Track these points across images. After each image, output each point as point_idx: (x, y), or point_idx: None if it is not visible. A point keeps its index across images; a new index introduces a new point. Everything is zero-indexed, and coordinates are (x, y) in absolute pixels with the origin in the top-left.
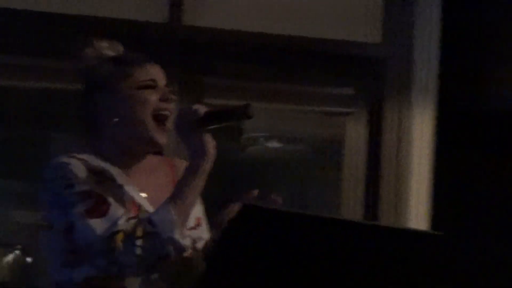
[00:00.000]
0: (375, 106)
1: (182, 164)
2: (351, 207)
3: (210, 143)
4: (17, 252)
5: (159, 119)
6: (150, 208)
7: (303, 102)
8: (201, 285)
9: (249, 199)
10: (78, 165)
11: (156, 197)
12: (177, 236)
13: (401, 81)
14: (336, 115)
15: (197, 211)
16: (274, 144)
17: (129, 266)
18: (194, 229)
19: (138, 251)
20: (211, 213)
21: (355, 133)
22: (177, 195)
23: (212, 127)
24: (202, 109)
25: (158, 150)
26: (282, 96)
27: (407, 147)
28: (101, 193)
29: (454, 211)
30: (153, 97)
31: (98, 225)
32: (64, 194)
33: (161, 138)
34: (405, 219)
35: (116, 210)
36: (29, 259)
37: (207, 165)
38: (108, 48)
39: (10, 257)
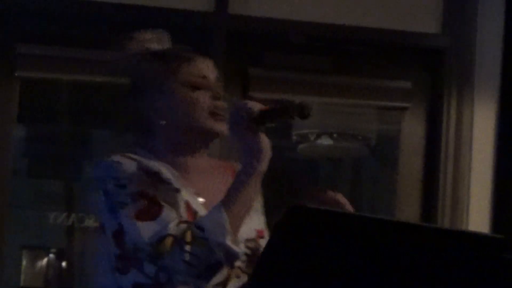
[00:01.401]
0: (434, 101)
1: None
2: (407, 208)
3: (265, 142)
4: (52, 255)
5: (214, 115)
6: None
7: (357, 96)
8: (251, 286)
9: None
10: (131, 165)
11: (214, 202)
12: (228, 242)
13: (461, 74)
14: (392, 110)
15: (258, 222)
16: (325, 141)
17: (178, 273)
18: (255, 240)
19: (187, 257)
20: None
21: (412, 130)
22: (230, 198)
23: (266, 125)
24: (256, 106)
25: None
26: (333, 90)
27: (467, 145)
28: (154, 195)
29: None
30: (205, 97)
31: (147, 228)
32: (115, 194)
33: (219, 127)
34: (465, 221)
35: (168, 213)
36: (63, 263)
37: (262, 166)
38: (152, 41)
39: (44, 261)
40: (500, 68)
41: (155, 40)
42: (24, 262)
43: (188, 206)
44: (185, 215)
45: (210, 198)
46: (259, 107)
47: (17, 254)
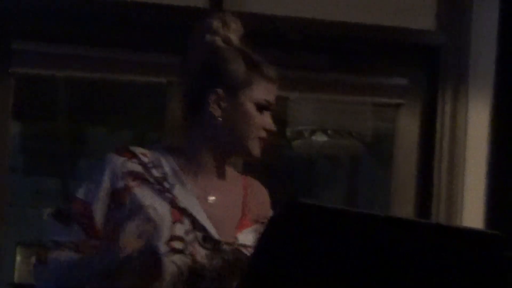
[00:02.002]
0: (429, 97)
1: (255, 183)
2: (402, 205)
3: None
4: None
5: (260, 140)
6: (201, 216)
7: (352, 92)
8: (245, 282)
9: None
10: (118, 161)
11: (213, 210)
12: None
13: (456, 71)
14: (387, 106)
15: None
16: (320, 138)
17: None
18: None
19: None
20: None
21: (407, 126)
22: (85, 266)
23: None
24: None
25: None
26: (329, 87)
27: (462, 142)
28: (90, 207)
29: (511, 210)
30: (259, 122)
31: (53, 229)
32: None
33: (255, 149)
34: (459, 218)
35: (71, 232)
36: None
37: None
38: (234, 32)
39: None
40: (495, 65)
41: (237, 33)
42: (18, 259)
43: (173, 203)
44: (169, 212)
45: (212, 205)
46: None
47: (14, 251)
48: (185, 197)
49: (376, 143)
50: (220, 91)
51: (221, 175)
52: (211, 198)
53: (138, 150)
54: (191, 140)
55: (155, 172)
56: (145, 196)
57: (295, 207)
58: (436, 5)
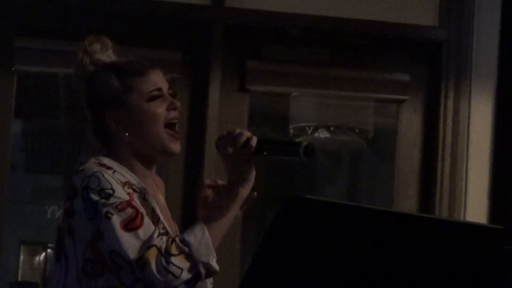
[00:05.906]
0: (431, 93)
1: (158, 178)
2: (405, 200)
3: (253, 172)
4: (50, 250)
5: (169, 127)
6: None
7: (354, 88)
8: (249, 276)
9: None
10: (110, 174)
11: (163, 211)
12: (212, 262)
13: (459, 67)
14: (389, 102)
15: None
16: (323, 134)
17: (156, 284)
18: None
19: (171, 267)
20: (260, 206)
21: (410, 122)
22: (213, 219)
23: (261, 156)
24: (255, 139)
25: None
26: (331, 82)
27: (464, 137)
28: (136, 205)
29: None
30: (161, 108)
31: (133, 238)
32: (100, 204)
33: (175, 147)
34: (462, 213)
35: (149, 223)
36: None
37: (246, 193)
38: (101, 51)
39: (42, 256)
40: (497, 60)
41: (104, 50)
42: (22, 257)
43: (154, 212)
44: (151, 221)
45: (161, 208)
46: (257, 139)
47: (15, 249)
48: (156, 208)
49: (378, 139)
50: (112, 112)
51: (152, 176)
52: (161, 199)
53: (111, 165)
54: (119, 157)
55: (134, 186)
56: (141, 204)
57: (300, 202)
58: (438, 0)
